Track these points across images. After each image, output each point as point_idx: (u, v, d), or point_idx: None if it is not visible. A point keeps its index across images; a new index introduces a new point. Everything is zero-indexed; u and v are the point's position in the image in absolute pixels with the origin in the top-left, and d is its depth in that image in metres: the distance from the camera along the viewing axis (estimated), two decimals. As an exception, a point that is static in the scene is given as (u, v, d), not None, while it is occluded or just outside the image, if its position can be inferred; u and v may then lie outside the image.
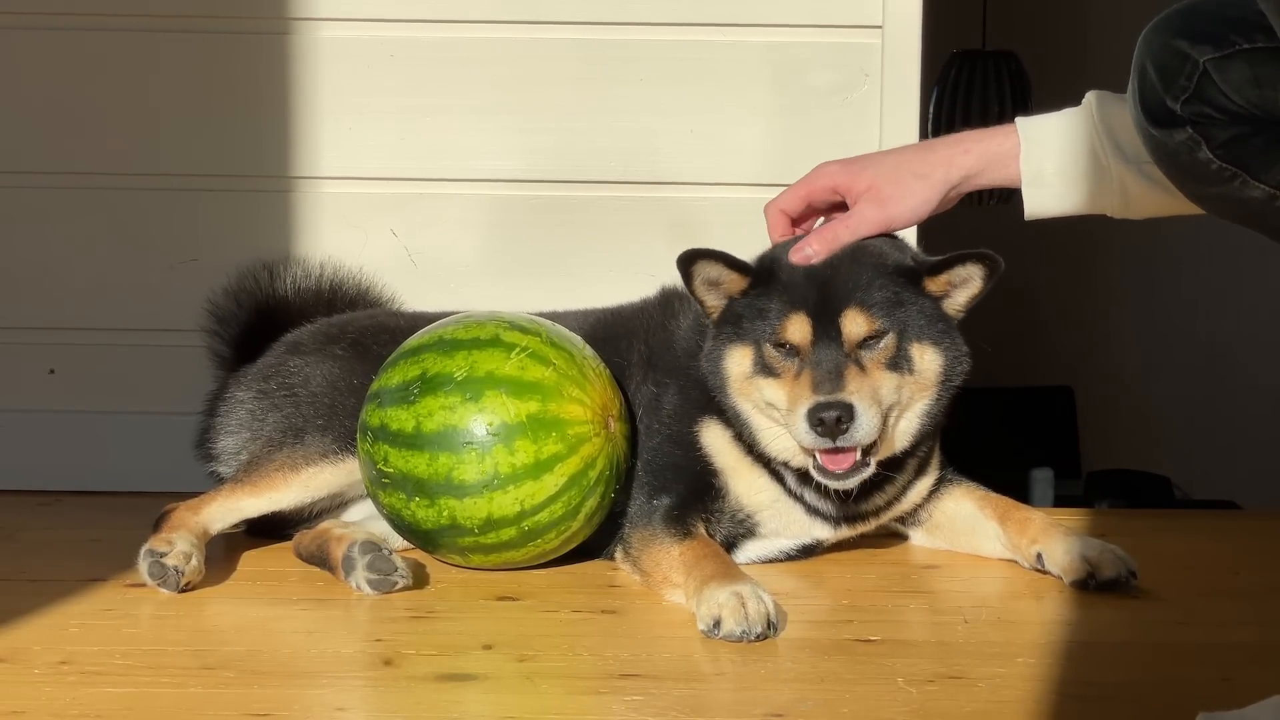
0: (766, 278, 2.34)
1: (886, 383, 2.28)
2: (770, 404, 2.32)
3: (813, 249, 2.32)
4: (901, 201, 2.32)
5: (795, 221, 2.42)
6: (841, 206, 2.39)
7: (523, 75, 3.07)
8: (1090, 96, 2.28)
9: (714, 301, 2.38)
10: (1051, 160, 2.28)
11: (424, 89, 3.07)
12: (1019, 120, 2.33)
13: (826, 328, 2.28)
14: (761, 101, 3.06)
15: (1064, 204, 2.32)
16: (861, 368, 2.27)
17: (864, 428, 2.22)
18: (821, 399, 2.22)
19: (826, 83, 3.04)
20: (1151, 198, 2.24)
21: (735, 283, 2.36)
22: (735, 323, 2.35)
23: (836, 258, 2.32)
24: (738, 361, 2.35)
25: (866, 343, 2.28)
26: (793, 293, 2.31)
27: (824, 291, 2.30)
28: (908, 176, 2.32)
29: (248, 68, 3.08)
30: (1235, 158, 1.89)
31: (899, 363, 2.30)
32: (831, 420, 2.21)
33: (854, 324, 2.28)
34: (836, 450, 2.25)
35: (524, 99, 3.07)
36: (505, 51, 3.06)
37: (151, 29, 3.07)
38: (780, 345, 2.30)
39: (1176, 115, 1.90)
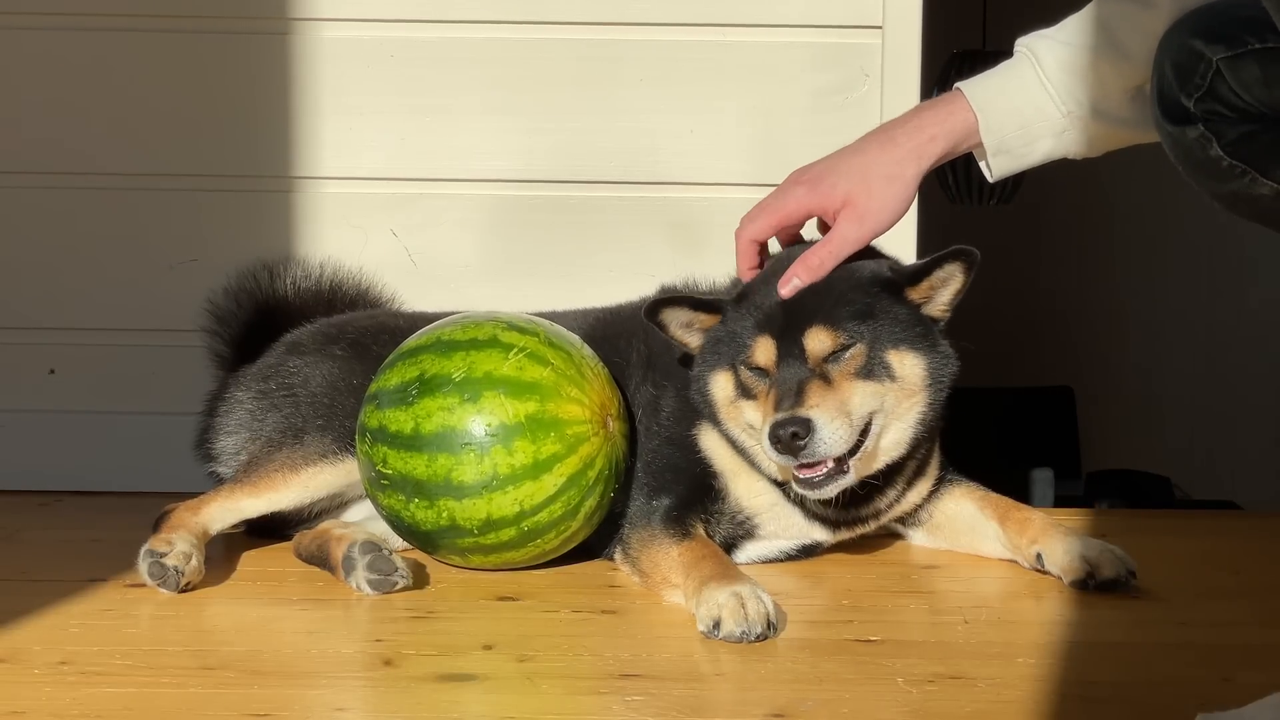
0: (739, 303, 2.34)
1: (860, 392, 2.26)
2: (750, 425, 2.32)
3: (800, 279, 2.30)
4: (880, 212, 2.28)
5: (765, 244, 2.39)
6: (810, 220, 2.38)
7: (523, 75, 3.07)
8: (1031, 45, 2.26)
9: (694, 341, 2.40)
10: (1011, 130, 2.26)
11: (424, 89, 3.07)
12: (965, 88, 2.28)
13: (790, 347, 2.27)
14: (762, 102, 3.06)
15: (1026, 162, 2.30)
16: (828, 381, 2.25)
17: (826, 440, 2.20)
18: (779, 416, 2.21)
19: (827, 83, 3.04)
20: (1110, 135, 2.24)
21: (708, 320, 2.37)
22: (714, 349, 2.36)
23: None
24: (721, 386, 2.35)
25: (833, 356, 2.27)
26: (761, 315, 2.31)
27: (790, 312, 2.29)
28: (880, 182, 2.27)
29: (248, 68, 3.08)
30: (1244, 155, 1.90)
31: (874, 371, 2.27)
32: (787, 436, 2.19)
33: (817, 341, 2.26)
34: (804, 465, 2.24)
35: (524, 99, 3.07)
36: (505, 51, 3.06)
37: (152, 29, 3.07)
38: (752, 368, 2.31)
39: (1190, 112, 1.91)
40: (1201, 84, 1.89)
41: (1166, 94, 1.94)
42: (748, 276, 2.38)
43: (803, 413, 2.20)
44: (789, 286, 2.30)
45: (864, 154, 2.30)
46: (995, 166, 2.30)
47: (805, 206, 2.32)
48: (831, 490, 2.27)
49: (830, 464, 2.24)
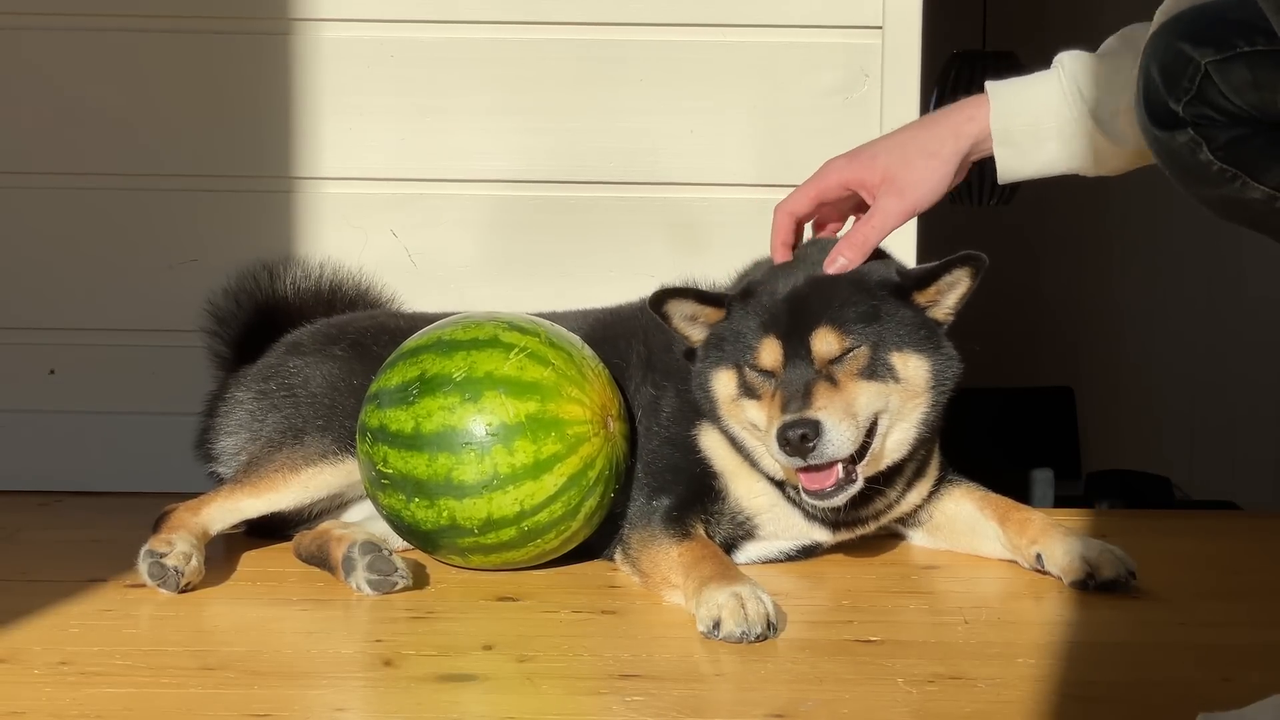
0: (744, 301, 2.35)
1: (865, 393, 2.27)
2: (754, 425, 2.32)
3: (846, 257, 2.31)
4: (919, 186, 2.29)
5: (803, 222, 2.41)
6: (851, 200, 2.39)
7: (522, 75, 3.07)
8: (1061, 56, 2.28)
9: (697, 335, 2.40)
10: (1019, 119, 2.27)
11: (424, 89, 3.07)
12: (989, 84, 2.30)
13: (797, 348, 2.27)
14: (761, 102, 3.06)
15: (1033, 164, 2.30)
16: (834, 383, 2.25)
17: (834, 442, 2.20)
18: (788, 418, 2.21)
19: (826, 83, 3.04)
20: (1121, 155, 2.24)
21: (712, 315, 2.37)
22: (718, 346, 2.36)
23: (814, 278, 2.32)
24: (724, 384, 2.35)
25: (839, 358, 2.27)
26: (767, 315, 2.31)
27: (796, 312, 2.29)
28: (918, 157, 2.28)
29: (248, 68, 3.08)
30: (1235, 159, 1.89)
31: (878, 372, 2.28)
32: (796, 438, 2.19)
33: (824, 342, 2.26)
34: (813, 468, 2.24)
35: (524, 99, 3.07)
36: (505, 51, 3.06)
37: (153, 29, 3.07)
38: (757, 368, 2.31)
39: (1179, 117, 1.90)
40: (1190, 88, 1.89)
41: (1153, 98, 1.93)
42: (780, 254, 2.37)
43: (811, 414, 2.20)
44: (836, 265, 2.31)
45: (903, 133, 2.33)
46: (1000, 160, 2.30)
47: (843, 178, 2.32)
48: (841, 499, 2.27)
49: (839, 473, 2.24)
